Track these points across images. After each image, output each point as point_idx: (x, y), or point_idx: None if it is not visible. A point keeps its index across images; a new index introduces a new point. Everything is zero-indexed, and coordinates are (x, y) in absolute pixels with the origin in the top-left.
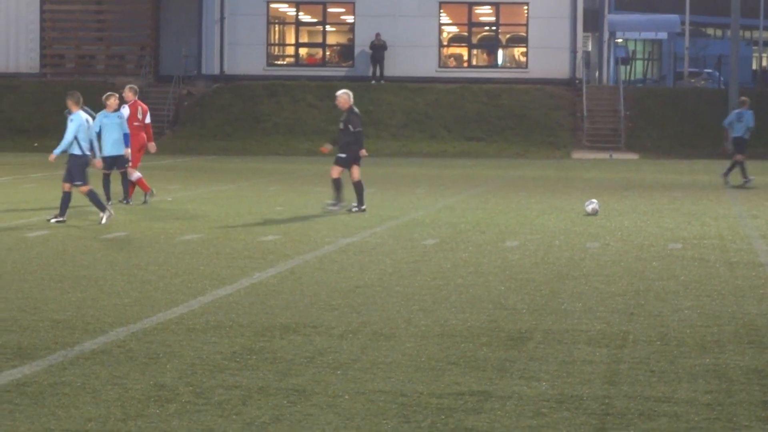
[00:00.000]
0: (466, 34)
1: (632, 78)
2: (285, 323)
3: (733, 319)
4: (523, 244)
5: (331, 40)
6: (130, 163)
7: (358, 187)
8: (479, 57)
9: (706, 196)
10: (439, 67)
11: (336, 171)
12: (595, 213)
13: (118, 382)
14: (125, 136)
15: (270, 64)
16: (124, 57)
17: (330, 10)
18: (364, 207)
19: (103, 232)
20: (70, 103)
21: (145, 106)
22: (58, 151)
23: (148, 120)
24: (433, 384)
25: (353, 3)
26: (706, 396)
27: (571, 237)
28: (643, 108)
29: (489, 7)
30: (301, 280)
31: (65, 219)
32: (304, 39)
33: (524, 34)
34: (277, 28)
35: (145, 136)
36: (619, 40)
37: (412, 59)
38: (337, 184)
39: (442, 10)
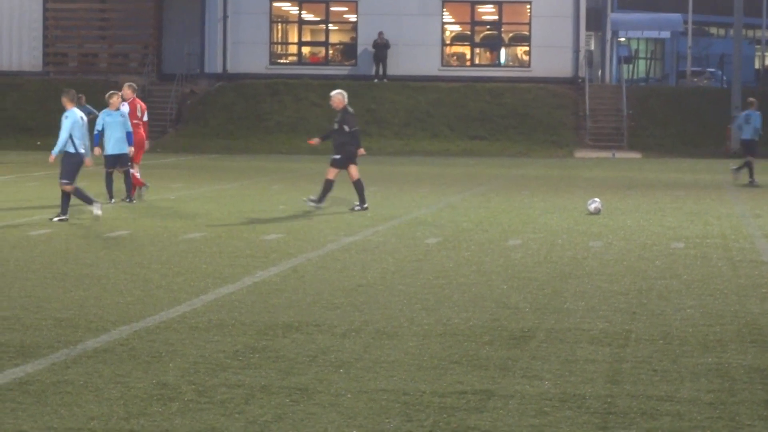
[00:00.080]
0: (468, 32)
1: (635, 77)
2: (287, 322)
3: (735, 318)
4: (526, 243)
5: (333, 38)
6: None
7: (358, 186)
8: (482, 56)
9: (708, 195)
10: (442, 65)
11: (332, 173)
12: (597, 212)
13: (120, 381)
14: (128, 134)
15: (273, 63)
16: (127, 55)
17: (333, 8)
18: (366, 205)
19: (105, 231)
20: (64, 100)
21: (143, 104)
22: (56, 151)
23: (145, 118)
24: (436, 383)
25: (356, 2)
26: (708, 395)
27: (574, 236)
28: (645, 107)
29: (492, 5)
30: (304, 278)
31: (68, 217)
32: (307, 38)
33: (527, 33)
34: (279, 27)
35: (143, 133)
36: (622, 39)
37: (415, 58)
38: (327, 185)
39: (444, 9)
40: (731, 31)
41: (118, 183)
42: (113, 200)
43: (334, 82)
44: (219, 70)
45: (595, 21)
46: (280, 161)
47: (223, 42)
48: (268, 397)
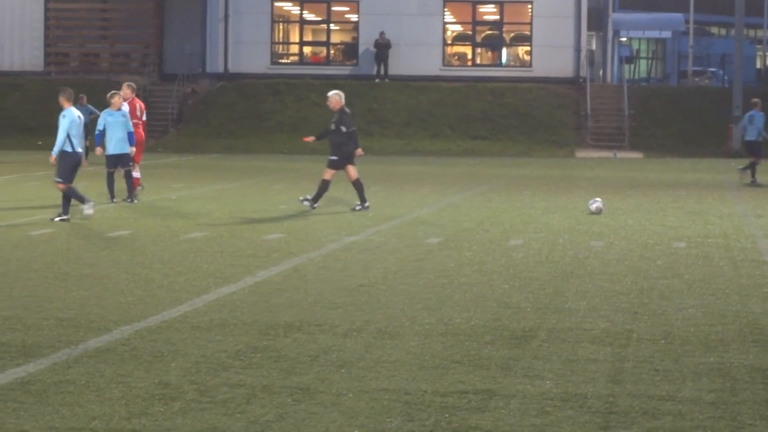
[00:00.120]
0: (470, 32)
1: (636, 77)
2: (289, 321)
3: (737, 318)
4: (527, 242)
5: (335, 38)
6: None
7: (357, 185)
8: (483, 56)
9: (710, 194)
10: (444, 65)
11: (329, 174)
12: (599, 212)
13: (122, 381)
14: (129, 134)
15: (274, 63)
16: (129, 55)
17: (334, 8)
18: (367, 204)
19: (107, 231)
20: (62, 99)
21: (142, 104)
22: (56, 151)
23: (144, 117)
24: (437, 382)
25: (357, 2)
26: (710, 395)
27: (575, 236)
28: (647, 107)
29: (493, 5)
30: (306, 278)
31: (69, 217)
32: (308, 37)
33: (528, 33)
34: (281, 27)
35: (143, 133)
36: (623, 39)
37: (417, 58)
38: (323, 186)
39: (446, 9)
40: (732, 31)
41: (120, 183)
42: (115, 200)
43: (335, 81)
44: (220, 69)
45: (597, 21)
46: (282, 161)
47: (225, 42)
48: (269, 396)
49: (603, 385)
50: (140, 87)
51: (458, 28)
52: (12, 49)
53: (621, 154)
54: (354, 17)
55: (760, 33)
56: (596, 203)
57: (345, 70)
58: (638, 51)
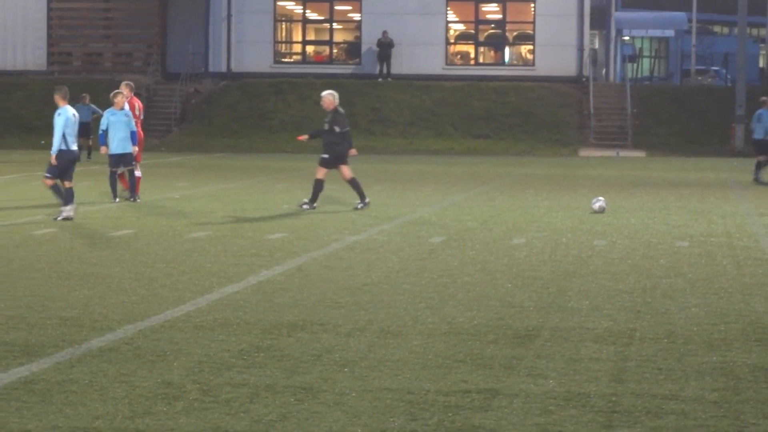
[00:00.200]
0: (473, 31)
1: (639, 76)
2: (292, 321)
3: (740, 317)
4: (530, 241)
5: (338, 37)
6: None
7: (354, 184)
8: (486, 54)
9: (713, 193)
10: (446, 64)
11: (321, 172)
12: (602, 211)
13: (125, 380)
14: (132, 134)
15: (277, 62)
16: (132, 55)
17: (337, 7)
18: (367, 200)
19: (110, 230)
20: (57, 97)
21: (141, 103)
22: (54, 150)
23: (141, 116)
24: (440, 382)
25: (360, 1)
26: (713, 394)
27: (578, 235)
28: (650, 106)
29: (496, 4)
30: (309, 277)
31: (72, 216)
32: (311, 36)
33: (531, 32)
34: (284, 26)
35: (141, 132)
36: (626, 38)
37: (419, 57)
38: (318, 185)
39: (449, 8)
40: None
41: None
42: (117, 199)
43: (338, 81)
44: (223, 69)
45: (599, 20)
46: (285, 160)
47: (228, 41)
48: (272, 396)
49: (606, 384)
50: (143, 86)
51: (461, 27)
52: (15, 48)
53: (624, 153)
54: (357, 16)
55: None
56: (599, 202)
57: (348, 69)
58: (641, 50)
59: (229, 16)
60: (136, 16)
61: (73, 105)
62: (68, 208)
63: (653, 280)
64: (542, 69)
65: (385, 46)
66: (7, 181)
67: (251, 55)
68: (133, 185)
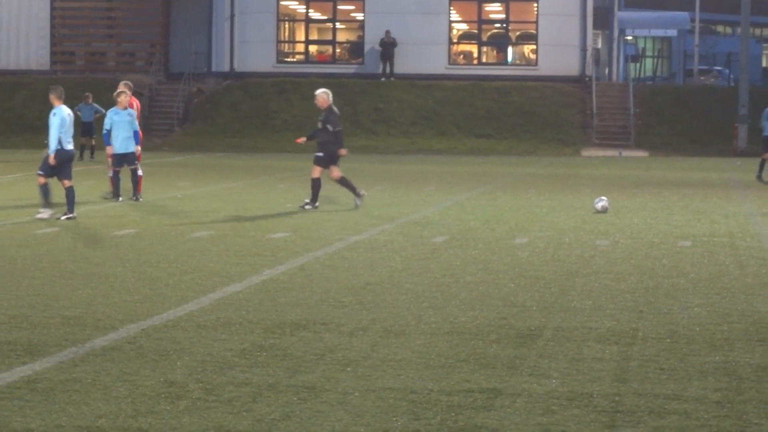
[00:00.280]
0: (475, 31)
1: (642, 75)
2: (295, 320)
3: (742, 317)
4: (533, 241)
5: (341, 37)
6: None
7: (343, 182)
8: (489, 54)
9: (715, 193)
10: (449, 64)
11: (317, 171)
12: (604, 210)
13: (128, 379)
14: (135, 133)
15: (280, 62)
16: (134, 54)
17: (340, 7)
18: (362, 192)
19: (113, 229)
20: (52, 97)
21: (138, 102)
22: (52, 150)
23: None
24: (443, 381)
25: (363, 0)
26: (715, 393)
27: (581, 234)
28: (652, 105)
29: (499, 4)
30: (311, 277)
31: (75, 215)
32: (314, 36)
33: (534, 32)
34: (287, 26)
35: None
36: (629, 38)
37: (422, 56)
38: (315, 184)
39: (451, 8)
40: (738, 30)
41: (126, 181)
42: (121, 199)
43: (341, 80)
44: (226, 68)
45: (602, 19)
46: (287, 160)
47: (231, 41)
48: (275, 395)
49: (609, 383)
50: (146, 86)
51: (464, 26)
52: (18, 47)
53: (626, 153)
54: (360, 16)
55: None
56: (602, 202)
57: (351, 69)
58: (644, 49)
59: (232, 15)
60: (139, 16)
61: (76, 104)
62: (44, 211)
63: (656, 279)
64: (545, 69)
65: (388, 46)
66: (9, 181)
67: (254, 55)
68: (135, 184)
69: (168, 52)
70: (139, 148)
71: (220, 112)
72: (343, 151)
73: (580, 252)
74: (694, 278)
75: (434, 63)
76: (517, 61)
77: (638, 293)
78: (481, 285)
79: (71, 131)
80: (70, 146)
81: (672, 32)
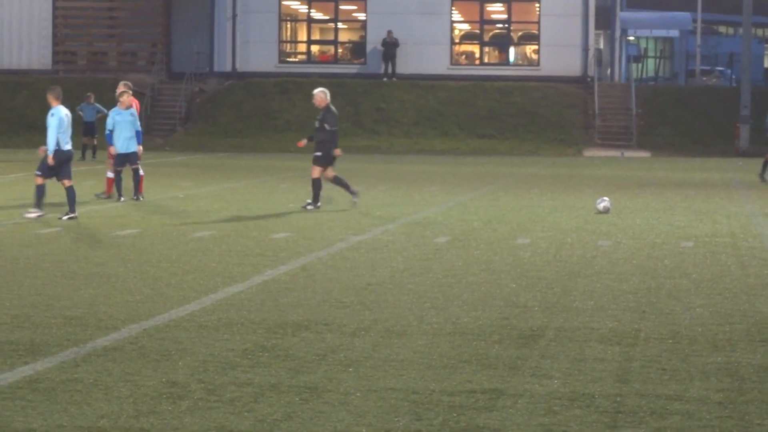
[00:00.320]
0: (477, 31)
1: (644, 76)
2: (297, 320)
3: (744, 318)
4: (535, 241)
5: (343, 37)
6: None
7: (337, 181)
8: (491, 54)
9: (717, 194)
10: (451, 64)
11: (316, 171)
12: (606, 211)
13: (130, 379)
14: (138, 133)
15: (282, 62)
16: (136, 54)
17: (342, 7)
18: (355, 189)
19: (115, 229)
20: (50, 97)
21: (137, 102)
22: (51, 150)
23: None
24: (445, 382)
25: (365, 0)
26: (718, 394)
27: (583, 235)
28: (654, 106)
29: (501, 4)
30: (313, 277)
31: (77, 215)
32: (316, 36)
33: (536, 32)
34: (289, 26)
35: None
36: (631, 38)
37: (424, 57)
38: (316, 184)
39: (453, 8)
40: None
41: (128, 182)
42: (123, 199)
43: (343, 80)
44: (228, 68)
45: (604, 19)
46: (289, 160)
47: (233, 40)
48: (277, 395)
49: (611, 384)
50: (148, 86)
51: (466, 27)
52: (20, 47)
53: (629, 153)
54: (362, 16)
55: None
56: (604, 202)
57: (353, 69)
58: (646, 50)
59: (234, 15)
60: (141, 16)
61: (78, 104)
62: (34, 211)
63: (658, 280)
64: (547, 69)
65: (390, 46)
66: (11, 180)
67: (256, 55)
68: (137, 184)
69: (170, 52)
70: (141, 147)
71: (222, 112)
72: (337, 151)
73: (582, 252)
74: (696, 279)
75: (436, 63)
76: (519, 62)
77: (640, 294)
78: (483, 285)
79: (69, 131)
80: (68, 146)
81: (674, 32)
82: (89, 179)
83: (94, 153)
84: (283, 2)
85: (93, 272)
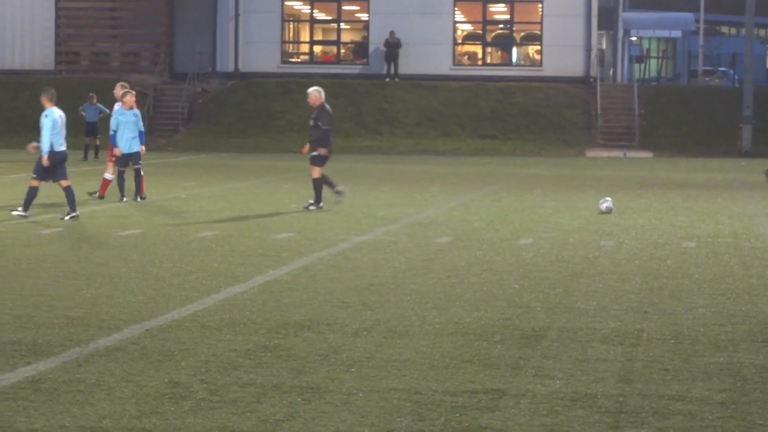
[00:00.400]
0: (480, 31)
1: (646, 76)
2: (299, 321)
3: (747, 318)
4: (537, 242)
5: (345, 37)
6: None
7: (323, 179)
8: (494, 55)
9: (720, 194)
10: (454, 64)
11: (316, 171)
12: (609, 211)
13: (132, 380)
14: (141, 133)
15: (284, 62)
16: (139, 54)
17: (344, 7)
18: (321, 205)
19: (117, 230)
20: (44, 99)
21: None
22: (45, 151)
23: None
24: (447, 382)
25: (368, 1)
26: (720, 394)
27: (585, 235)
28: (657, 106)
29: (503, 4)
30: (315, 277)
31: (78, 214)
32: (318, 36)
33: (539, 32)
34: (291, 26)
35: None
36: (634, 38)
37: (427, 57)
38: (317, 185)
39: (456, 8)
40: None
41: (130, 182)
42: (125, 199)
43: (345, 81)
44: (231, 68)
45: (607, 20)
46: (292, 160)
47: (235, 41)
48: (279, 395)
49: (613, 384)
50: (150, 86)
51: (468, 27)
52: (23, 47)
53: (631, 154)
54: (364, 16)
55: None
56: (606, 203)
57: (355, 70)
58: (648, 50)
59: (236, 15)
60: (143, 16)
61: (80, 104)
62: (20, 210)
63: (660, 280)
64: (549, 69)
65: (393, 46)
66: (13, 181)
67: (259, 55)
68: (138, 184)
69: (172, 53)
70: (143, 147)
71: (224, 113)
72: (322, 150)
73: (584, 253)
74: (698, 279)
75: (439, 63)
76: (522, 62)
77: (643, 294)
78: (485, 286)
79: (63, 132)
80: (62, 148)
81: (676, 33)
82: (92, 179)
83: (96, 153)
84: (286, 2)
85: (95, 272)
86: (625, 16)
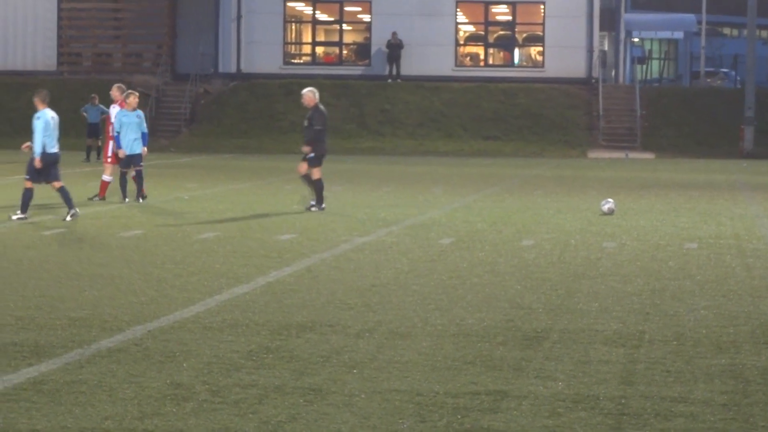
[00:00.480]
0: (482, 33)
1: (648, 77)
2: (301, 322)
3: (749, 319)
4: (540, 243)
5: (347, 38)
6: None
7: (306, 179)
8: (496, 56)
9: (722, 195)
10: (456, 66)
11: (316, 172)
12: (611, 212)
13: (134, 381)
14: (143, 135)
15: (287, 63)
16: (141, 55)
17: (347, 8)
18: (324, 206)
19: (119, 231)
20: (36, 101)
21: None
22: (38, 153)
23: None
24: (449, 383)
25: (370, 2)
26: (722, 396)
27: (587, 236)
28: (659, 107)
29: (505, 6)
30: (318, 278)
31: (77, 211)
32: (320, 38)
33: (541, 33)
34: (293, 27)
35: None
36: (636, 40)
37: (429, 58)
38: (318, 185)
39: (458, 9)
40: (745, 32)
41: (131, 183)
42: (127, 200)
43: (347, 82)
44: (233, 69)
45: (609, 21)
46: (294, 161)
47: (237, 42)
48: (281, 397)
49: (615, 386)
50: (153, 87)
51: (470, 28)
52: (25, 48)
53: (633, 155)
54: (366, 17)
55: None
56: (608, 204)
57: (357, 71)
58: (650, 51)
59: (238, 16)
60: (145, 17)
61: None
62: (18, 213)
63: (662, 282)
64: (551, 70)
65: (395, 48)
66: (15, 181)
67: (261, 56)
68: (140, 185)
69: (175, 53)
70: (146, 149)
71: (226, 113)
72: (306, 148)
73: (586, 254)
74: (700, 280)
75: (441, 65)
76: (524, 63)
77: (644, 295)
78: (487, 287)
79: (56, 134)
80: (54, 149)
81: (678, 34)
82: (93, 180)
83: (98, 154)
84: (288, 3)
85: (97, 273)
86: (627, 17)
